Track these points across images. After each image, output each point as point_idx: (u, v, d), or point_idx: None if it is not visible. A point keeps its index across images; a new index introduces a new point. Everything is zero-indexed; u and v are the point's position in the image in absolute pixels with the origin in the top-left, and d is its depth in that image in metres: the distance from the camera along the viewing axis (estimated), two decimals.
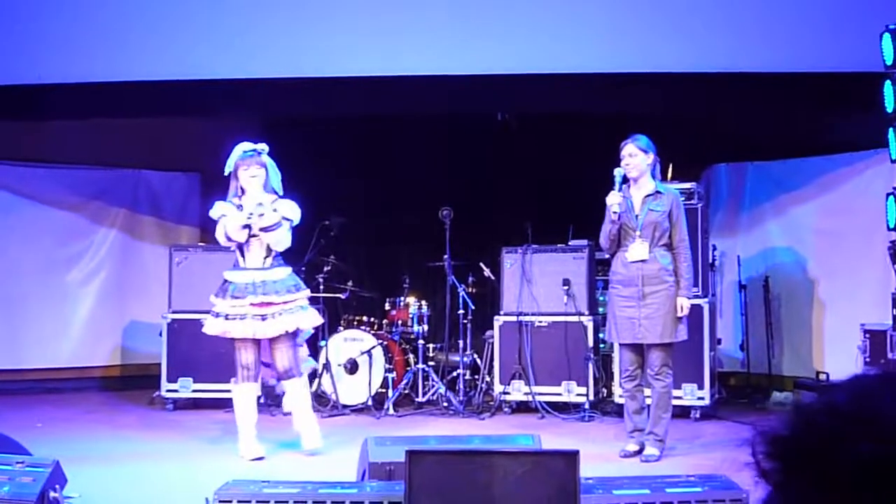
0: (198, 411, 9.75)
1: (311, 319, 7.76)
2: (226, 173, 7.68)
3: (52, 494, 4.80)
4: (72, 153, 11.29)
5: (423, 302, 10.45)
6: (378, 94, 9.62)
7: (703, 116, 10.71)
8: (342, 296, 10.38)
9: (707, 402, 9.12)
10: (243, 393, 7.65)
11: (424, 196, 10.50)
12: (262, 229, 7.50)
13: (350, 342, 9.88)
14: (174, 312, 9.96)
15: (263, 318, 7.47)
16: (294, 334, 7.64)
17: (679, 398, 8.65)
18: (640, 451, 7.45)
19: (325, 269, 10.23)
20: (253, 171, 7.56)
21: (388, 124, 11.03)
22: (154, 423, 9.26)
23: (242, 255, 7.63)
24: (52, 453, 5.38)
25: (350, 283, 10.45)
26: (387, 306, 10.61)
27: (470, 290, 10.17)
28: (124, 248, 11.63)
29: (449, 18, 9.21)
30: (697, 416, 9.11)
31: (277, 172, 7.71)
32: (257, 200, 7.52)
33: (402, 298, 10.51)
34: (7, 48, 9.26)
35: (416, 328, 10.23)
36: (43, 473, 4.87)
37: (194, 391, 9.87)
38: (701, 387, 9.09)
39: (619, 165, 7.49)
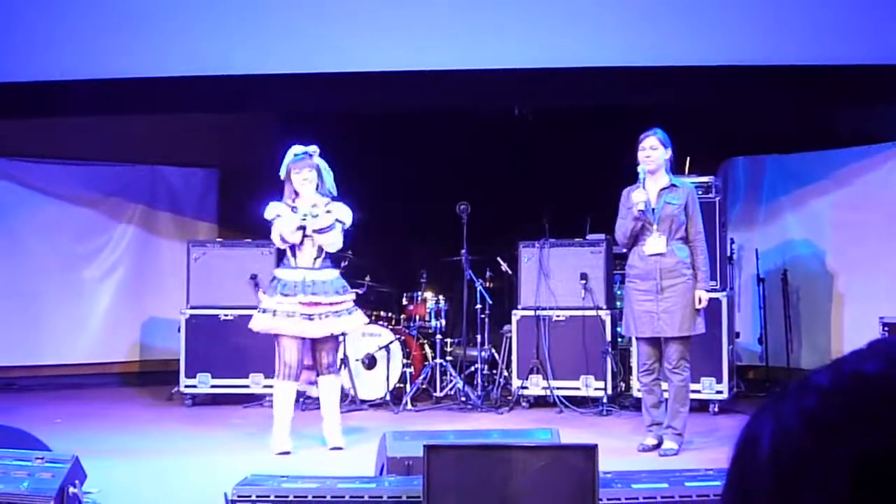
0: (216, 407, 9.78)
1: (358, 322, 7.99)
2: (281, 177, 7.71)
3: (71, 490, 4.82)
4: (90, 149, 11.33)
5: (441, 297, 10.45)
6: (395, 89, 9.62)
7: (721, 109, 10.68)
8: (360, 291, 10.38)
9: (725, 395, 9.10)
10: (282, 390, 7.66)
11: (441, 191, 10.49)
12: (316, 231, 7.58)
13: (368, 337, 9.89)
14: (192, 308, 9.99)
15: (311, 317, 7.54)
16: (338, 336, 7.87)
17: (697, 392, 8.63)
18: (658, 445, 7.44)
19: (343, 264, 10.23)
20: (305, 175, 7.61)
21: (405, 119, 11.03)
22: (173, 418, 9.29)
23: (294, 255, 7.71)
24: (71, 449, 5.41)
25: (368, 279, 10.46)
26: (404, 301, 10.61)
27: (487, 284, 10.17)
28: (142, 244, 11.66)
29: (466, 13, 9.19)
30: (716, 409, 9.09)
31: (330, 173, 7.78)
32: (311, 202, 7.60)
33: (419, 293, 10.51)
34: (25, 45, 9.28)
35: (433, 323, 10.23)
36: (62, 469, 4.89)
37: (213, 387, 9.89)
38: (719, 380, 9.07)
39: (637, 159, 7.48)
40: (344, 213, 7.70)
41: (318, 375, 7.86)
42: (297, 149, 7.72)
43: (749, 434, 0.98)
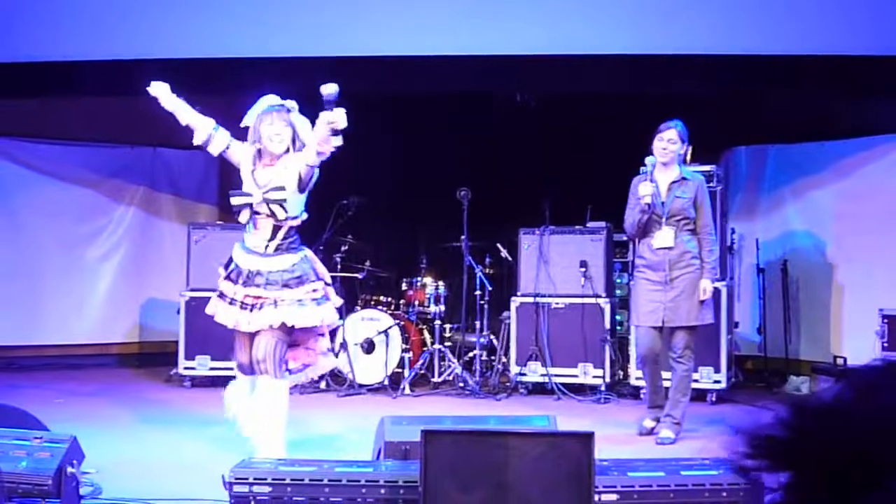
0: (215, 389, 9.74)
1: (306, 317, 6.36)
2: (242, 125, 6.52)
3: (69, 470, 4.83)
4: (91, 130, 11.32)
5: (441, 282, 10.46)
6: (397, 74, 9.61)
7: (723, 98, 10.66)
8: (359, 275, 10.40)
9: (724, 385, 9.12)
10: (232, 392, 6.73)
11: (442, 176, 10.49)
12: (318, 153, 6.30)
13: (367, 322, 9.90)
14: (192, 290, 10.00)
15: (251, 308, 6.33)
16: (285, 329, 6.33)
17: (696, 381, 8.65)
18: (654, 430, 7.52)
19: (343, 248, 10.25)
20: (278, 129, 6.35)
21: (407, 104, 11.01)
22: (171, 400, 9.30)
23: (247, 229, 6.51)
24: (69, 429, 5.41)
25: (367, 263, 10.47)
26: (404, 286, 10.62)
27: (487, 270, 10.18)
28: (143, 226, 11.68)
29: None
30: (714, 399, 9.11)
31: (308, 124, 6.48)
32: (272, 181, 6.33)
33: (419, 279, 10.52)
34: (27, 25, 9.27)
35: (432, 308, 10.24)
36: (60, 449, 4.89)
37: (212, 369, 9.90)
38: (718, 370, 9.09)
39: (640, 149, 7.47)
40: (308, 127, 6.42)
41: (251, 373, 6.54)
42: (271, 98, 6.56)
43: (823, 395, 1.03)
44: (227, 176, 11.92)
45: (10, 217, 10.99)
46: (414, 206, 11.36)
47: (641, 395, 8.88)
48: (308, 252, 6.57)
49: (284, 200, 6.33)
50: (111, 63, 9.35)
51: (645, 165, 7.47)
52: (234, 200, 6.43)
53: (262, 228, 6.42)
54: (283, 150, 6.38)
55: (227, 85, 10.05)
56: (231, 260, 6.54)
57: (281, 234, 6.43)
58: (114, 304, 11.45)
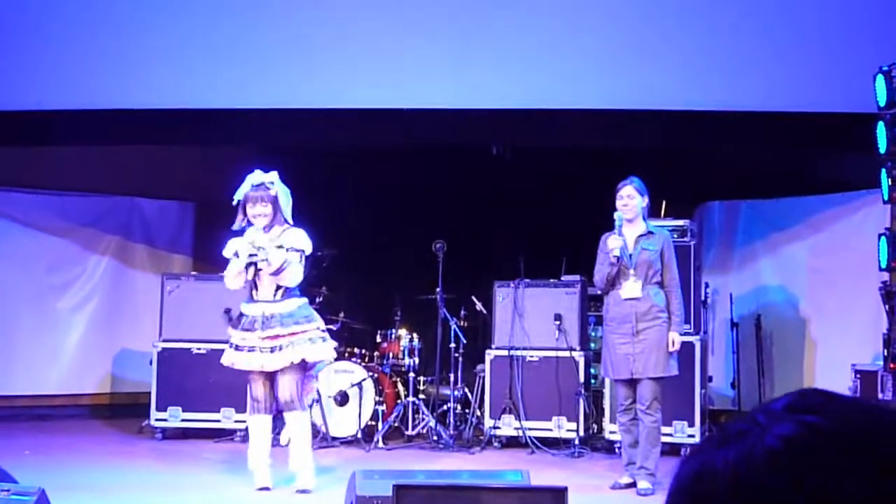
0: (187, 441, 9.72)
1: (320, 352, 7.56)
2: (234, 202, 7.51)
3: None
4: (65, 179, 11.29)
5: (415, 335, 10.43)
6: (373, 127, 9.66)
7: (697, 153, 10.75)
8: (333, 327, 10.35)
9: (697, 439, 9.09)
10: (253, 425, 7.57)
11: (418, 228, 10.51)
12: (272, 274, 7.35)
13: (340, 374, 9.85)
14: (165, 341, 9.94)
15: (272, 350, 7.35)
16: (302, 366, 7.46)
17: (669, 435, 8.64)
18: (632, 485, 7.55)
19: (318, 300, 10.21)
20: (259, 209, 7.41)
21: (383, 156, 11.05)
22: (143, 452, 9.22)
23: (256, 287, 7.49)
24: (38, 481, 5.35)
25: (342, 315, 10.44)
26: (378, 338, 10.58)
27: (462, 323, 10.16)
28: (116, 276, 11.61)
29: (445, 52, 9.25)
30: (687, 453, 9.05)
31: (289, 200, 7.55)
32: (257, 243, 7.36)
33: (393, 331, 10.49)
34: (4, 74, 9.27)
35: (407, 361, 10.20)
36: (28, 502, 4.84)
37: (184, 420, 9.83)
38: (691, 424, 9.08)
39: (614, 203, 7.59)
40: (299, 241, 7.44)
41: (281, 411, 7.60)
42: (255, 178, 7.47)
43: (700, 470, 1.01)
44: (201, 227, 11.95)
45: None
46: (389, 259, 11.36)
47: (615, 449, 8.86)
48: (306, 300, 7.69)
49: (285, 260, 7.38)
50: (85, 112, 9.35)
51: (615, 220, 7.59)
52: (241, 261, 7.40)
53: (268, 282, 7.42)
54: (266, 223, 7.43)
55: (200, 135, 10.09)
56: (240, 316, 7.56)
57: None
58: (86, 355, 11.35)
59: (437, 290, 9.81)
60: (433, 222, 10.60)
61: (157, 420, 9.84)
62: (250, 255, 7.31)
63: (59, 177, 11.25)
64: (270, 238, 7.41)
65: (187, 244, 12.02)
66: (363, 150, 10.84)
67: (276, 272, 7.36)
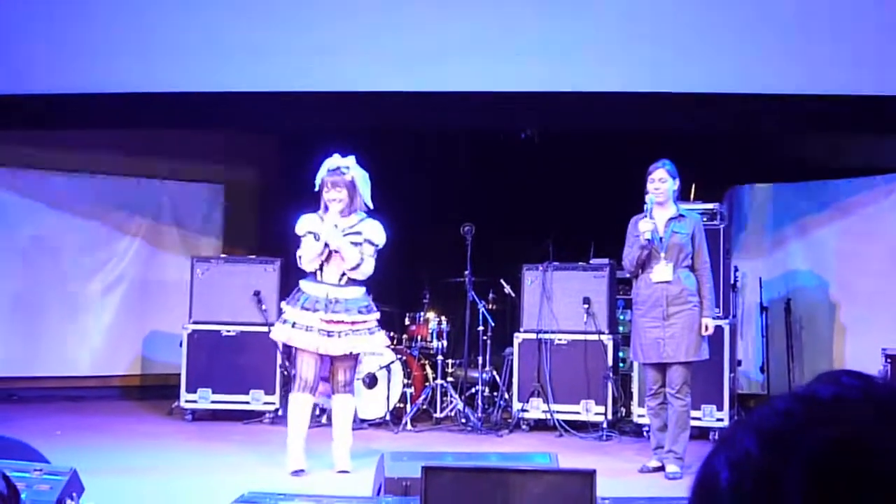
0: (216, 423, 9.77)
1: (378, 343, 7.76)
2: (315, 188, 7.47)
3: (68, 503, 4.82)
4: (96, 162, 11.35)
5: (443, 318, 10.44)
6: (402, 110, 9.64)
7: (727, 137, 10.69)
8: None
9: (726, 423, 9.09)
10: (297, 403, 7.44)
11: (446, 212, 10.51)
12: (349, 269, 7.38)
13: (369, 356, 9.87)
14: (195, 323, 9.99)
15: (330, 334, 7.33)
16: (357, 355, 7.63)
17: (698, 419, 8.63)
18: (660, 468, 7.55)
19: None
20: (333, 194, 7.35)
21: (413, 139, 11.05)
22: (172, 433, 9.28)
23: (321, 268, 7.44)
24: (69, 461, 5.40)
25: (372, 298, 10.45)
26: (406, 321, 10.60)
27: (490, 306, 10.17)
28: (147, 259, 11.67)
29: (475, 35, 9.22)
30: (716, 437, 9.06)
31: (368, 185, 7.52)
32: (334, 224, 7.33)
33: (422, 314, 10.50)
34: (35, 57, 9.32)
35: (435, 344, 10.21)
36: (60, 481, 4.88)
37: (213, 402, 9.88)
38: (720, 408, 9.06)
39: (644, 186, 7.57)
40: (375, 234, 7.46)
41: (333, 393, 7.60)
42: (332, 162, 7.43)
43: (707, 472, 1.00)
44: (231, 210, 11.99)
45: (14, 248, 10.99)
46: (418, 242, 11.35)
47: (643, 433, 8.85)
48: (365, 288, 7.64)
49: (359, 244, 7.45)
50: (117, 95, 9.38)
51: (646, 203, 7.56)
52: (320, 245, 7.39)
53: (335, 265, 7.43)
54: (341, 208, 7.37)
55: (231, 118, 10.11)
56: (298, 293, 7.49)
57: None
58: (116, 337, 11.42)
59: (466, 273, 9.81)
60: (462, 205, 10.59)
61: (186, 402, 9.89)
62: (326, 246, 7.34)
63: (90, 160, 11.31)
64: (349, 223, 7.40)
65: (217, 227, 12.06)
66: (391, 133, 10.83)
67: (353, 268, 7.39)
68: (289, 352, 7.63)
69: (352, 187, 7.40)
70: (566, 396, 9.56)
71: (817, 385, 1.00)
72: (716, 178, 10.43)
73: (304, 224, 7.45)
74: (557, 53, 9.11)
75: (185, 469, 7.59)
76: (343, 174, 7.38)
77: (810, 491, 0.91)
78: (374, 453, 5.86)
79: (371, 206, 7.53)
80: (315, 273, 7.47)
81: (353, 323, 7.40)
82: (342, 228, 7.36)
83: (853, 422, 0.93)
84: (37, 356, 10.99)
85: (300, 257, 7.47)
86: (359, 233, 7.42)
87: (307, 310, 7.37)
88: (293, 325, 7.40)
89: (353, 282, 7.48)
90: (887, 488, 0.89)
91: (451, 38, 9.23)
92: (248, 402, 9.85)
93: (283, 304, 7.66)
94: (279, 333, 7.61)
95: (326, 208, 7.43)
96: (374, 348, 7.75)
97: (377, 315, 7.67)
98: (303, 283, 7.52)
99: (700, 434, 8.78)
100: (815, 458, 0.92)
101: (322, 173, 7.43)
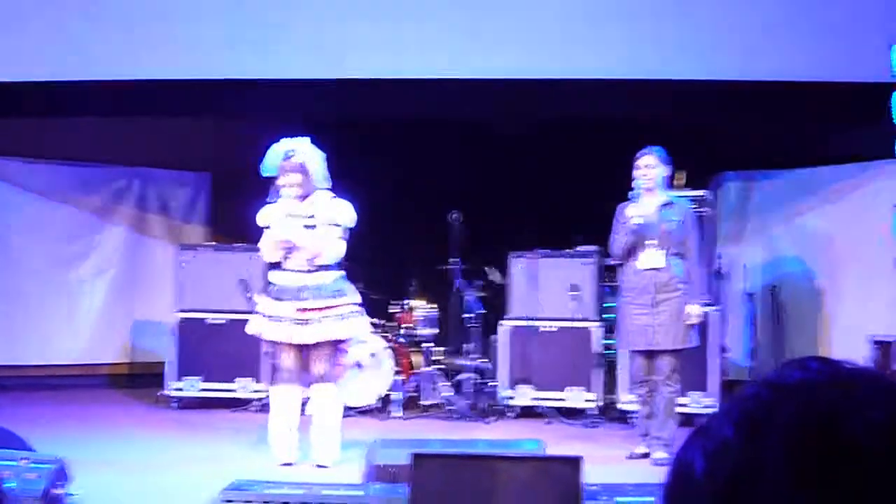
0: (204, 410, 9.76)
1: (355, 329, 7.39)
2: (264, 175, 7.22)
3: (56, 491, 4.82)
4: (81, 150, 11.31)
5: (431, 305, 10.43)
6: (389, 97, 9.64)
7: (713, 124, 10.71)
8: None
9: (713, 409, 9.11)
10: (280, 395, 7.29)
11: (433, 199, 10.49)
12: (310, 258, 7.15)
13: (357, 344, 9.86)
14: (182, 311, 9.98)
15: (304, 322, 7.10)
16: (334, 341, 7.27)
17: (684, 405, 8.65)
18: (646, 455, 7.56)
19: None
20: (288, 179, 7.11)
21: (399, 126, 11.03)
22: (160, 421, 9.27)
23: (287, 257, 7.24)
24: (55, 450, 5.40)
25: (360, 285, 10.44)
26: (394, 309, 10.59)
27: (477, 294, 10.17)
28: (133, 246, 11.64)
29: (460, 22, 9.22)
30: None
31: (322, 163, 7.25)
32: (289, 212, 7.12)
33: (409, 301, 10.49)
34: (21, 46, 9.28)
35: (422, 331, 10.20)
36: (47, 470, 4.88)
37: (201, 390, 9.87)
38: (707, 394, 9.08)
39: (628, 175, 7.56)
40: (340, 215, 7.23)
41: (310, 384, 7.33)
42: (282, 146, 7.20)
43: (680, 463, 1.01)
44: (217, 197, 11.97)
45: None
46: (405, 229, 11.35)
47: (629, 420, 8.87)
48: (342, 273, 7.42)
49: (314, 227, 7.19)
50: (101, 83, 9.36)
51: (633, 190, 7.54)
52: (277, 235, 7.18)
53: (301, 252, 7.19)
54: (296, 194, 7.14)
55: (216, 105, 10.09)
56: (269, 284, 7.37)
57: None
58: (103, 325, 11.40)
59: (453, 260, 9.81)
60: (449, 193, 10.58)
61: (174, 389, 9.88)
62: (285, 241, 7.16)
63: (75, 148, 11.26)
64: (304, 208, 7.19)
65: (203, 214, 12.04)
66: (379, 121, 10.82)
67: (318, 254, 7.19)
68: (272, 343, 7.46)
69: (303, 170, 7.14)
70: (553, 383, 9.56)
71: (785, 370, 1.01)
72: (702, 165, 10.44)
73: (263, 216, 7.26)
74: (545, 40, 9.11)
75: (173, 458, 7.58)
76: (290, 157, 7.16)
77: (788, 469, 0.93)
78: (363, 440, 5.86)
79: (329, 184, 7.28)
80: (281, 262, 7.28)
81: (323, 309, 7.15)
82: (300, 215, 7.16)
83: (822, 401, 0.95)
84: (23, 345, 10.94)
85: (260, 250, 7.36)
86: (314, 216, 7.19)
87: (279, 300, 7.20)
88: (269, 317, 7.23)
89: (324, 267, 7.24)
90: (861, 458, 0.92)
91: (438, 25, 9.23)
92: (235, 391, 9.85)
93: (255, 296, 7.58)
94: (253, 327, 7.39)
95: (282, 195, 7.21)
96: (350, 334, 7.36)
97: (353, 299, 7.36)
98: (271, 274, 7.38)
99: (687, 420, 8.80)
100: (790, 437, 0.94)
101: (273, 159, 7.19)
